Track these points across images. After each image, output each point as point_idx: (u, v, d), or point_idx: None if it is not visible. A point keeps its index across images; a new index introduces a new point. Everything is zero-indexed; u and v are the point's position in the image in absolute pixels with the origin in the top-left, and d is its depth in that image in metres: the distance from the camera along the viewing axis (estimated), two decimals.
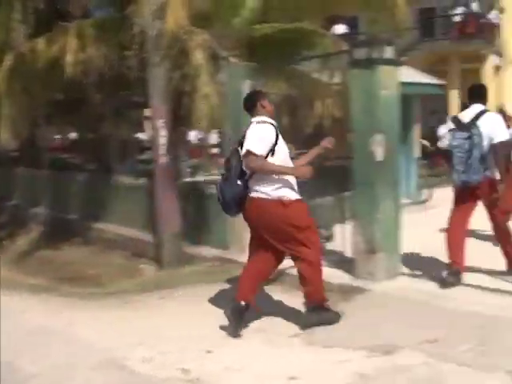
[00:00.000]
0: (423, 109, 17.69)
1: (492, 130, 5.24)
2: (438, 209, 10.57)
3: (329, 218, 6.50)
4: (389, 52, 5.47)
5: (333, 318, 4.71)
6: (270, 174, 4.48)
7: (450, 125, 5.53)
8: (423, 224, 8.74)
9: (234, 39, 7.47)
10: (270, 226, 4.53)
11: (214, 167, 16.56)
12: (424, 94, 11.32)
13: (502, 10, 21.34)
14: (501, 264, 5.62)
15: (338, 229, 6.24)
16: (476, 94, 5.60)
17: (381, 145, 5.43)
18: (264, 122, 4.61)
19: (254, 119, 4.69)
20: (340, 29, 18.35)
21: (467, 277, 5.53)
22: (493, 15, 21.00)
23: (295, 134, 7.05)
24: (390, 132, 5.54)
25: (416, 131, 11.28)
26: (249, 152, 4.43)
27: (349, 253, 5.94)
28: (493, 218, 5.48)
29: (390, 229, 5.63)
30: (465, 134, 5.22)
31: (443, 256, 6.36)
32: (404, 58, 17.22)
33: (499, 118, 5.58)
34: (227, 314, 4.80)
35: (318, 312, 4.71)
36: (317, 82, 6.76)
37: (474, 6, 20.09)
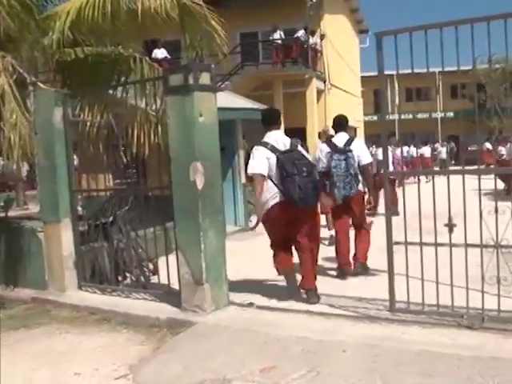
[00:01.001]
0: (251, 134, 18.44)
1: (360, 153, 6.93)
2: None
3: (154, 250, 6.49)
4: (205, 78, 5.63)
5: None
6: None
7: (325, 148, 7.00)
8: (251, 251, 9.06)
9: (43, 63, 7.25)
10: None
11: (27, 200, 15.80)
12: (246, 119, 11.77)
13: (322, 37, 22.89)
14: (333, 287, 6.03)
15: (163, 261, 6.25)
16: (340, 124, 7.24)
17: (200, 173, 5.56)
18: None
19: (279, 132, 6.08)
20: (159, 53, 18.47)
21: (297, 303, 5.86)
22: (315, 41, 22.41)
23: (115, 164, 6.97)
24: (210, 159, 5.70)
25: (241, 157, 11.67)
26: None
27: (175, 285, 5.98)
28: (356, 223, 7.06)
29: (215, 258, 5.77)
30: (341, 157, 6.79)
31: (271, 282, 6.66)
32: (226, 83, 17.91)
33: (363, 143, 7.28)
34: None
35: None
36: (136, 110, 6.76)
37: (300, 33, 21.26)
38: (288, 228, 5.86)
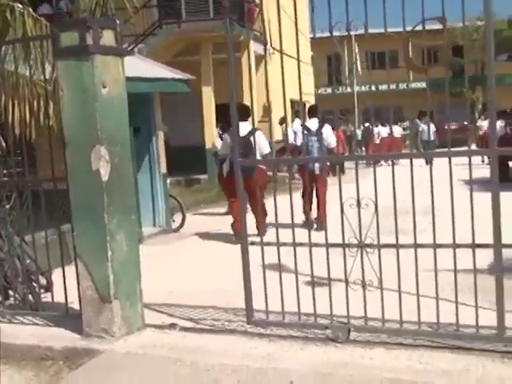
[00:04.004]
0: (174, 111, 18.35)
1: (328, 137, 11.42)
2: (194, 237, 11.07)
3: (46, 260, 6.35)
4: (109, 37, 5.53)
5: None
6: None
7: (299, 129, 11.15)
8: (174, 259, 9.04)
9: None
10: None
11: None
12: (164, 92, 11.71)
13: None
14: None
15: (59, 273, 6.14)
16: (313, 112, 11.85)
17: (105, 160, 5.48)
18: None
19: (245, 123, 9.21)
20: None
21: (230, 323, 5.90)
22: None
23: None
24: (118, 142, 5.62)
25: (161, 140, 11.61)
26: None
27: (76, 305, 5.90)
28: (316, 191, 11.29)
29: (127, 269, 5.71)
30: (315, 138, 10.85)
31: (194, 298, 6.65)
32: (140, 46, 17.73)
33: (330, 128, 11.79)
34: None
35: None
36: (17, 79, 6.56)
37: None
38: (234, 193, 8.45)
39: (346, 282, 5.21)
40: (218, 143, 14.64)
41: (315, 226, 10.41)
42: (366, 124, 30.94)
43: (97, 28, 5.43)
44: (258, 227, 10.28)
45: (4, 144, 6.51)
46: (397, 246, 5.07)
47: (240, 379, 4.67)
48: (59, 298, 6.19)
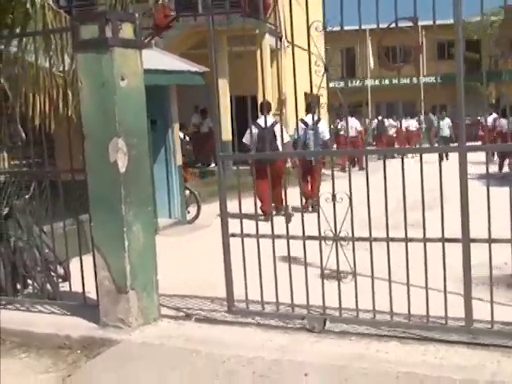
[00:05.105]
0: (189, 104, 18.30)
1: (324, 130, 12.49)
2: (209, 228, 11.04)
3: (65, 250, 6.36)
4: (128, 30, 5.53)
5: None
6: None
7: (301, 126, 11.85)
8: (189, 250, 9.03)
9: None
10: None
11: None
12: (181, 84, 11.71)
13: None
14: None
15: (77, 263, 6.16)
16: (309, 108, 12.57)
17: (122, 152, 5.48)
18: None
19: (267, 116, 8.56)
20: None
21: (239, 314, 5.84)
22: None
23: (11, 140, 6.79)
24: (135, 135, 5.62)
25: (176, 132, 11.59)
26: None
27: (93, 294, 5.92)
28: (312, 180, 12.54)
29: (144, 260, 5.71)
30: (312, 132, 12.15)
31: (210, 289, 6.65)
32: (157, 38, 17.68)
33: (325, 122, 12.48)
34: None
35: None
36: (37, 70, 6.57)
37: None
38: (261, 178, 8.06)
39: (322, 273, 5.30)
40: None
41: (310, 208, 11.47)
42: (379, 117, 31.21)
43: (116, 21, 5.43)
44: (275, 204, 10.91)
45: (24, 135, 6.50)
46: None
47: (255, 371, 4.68)
48: (77, 287, 6.24)
